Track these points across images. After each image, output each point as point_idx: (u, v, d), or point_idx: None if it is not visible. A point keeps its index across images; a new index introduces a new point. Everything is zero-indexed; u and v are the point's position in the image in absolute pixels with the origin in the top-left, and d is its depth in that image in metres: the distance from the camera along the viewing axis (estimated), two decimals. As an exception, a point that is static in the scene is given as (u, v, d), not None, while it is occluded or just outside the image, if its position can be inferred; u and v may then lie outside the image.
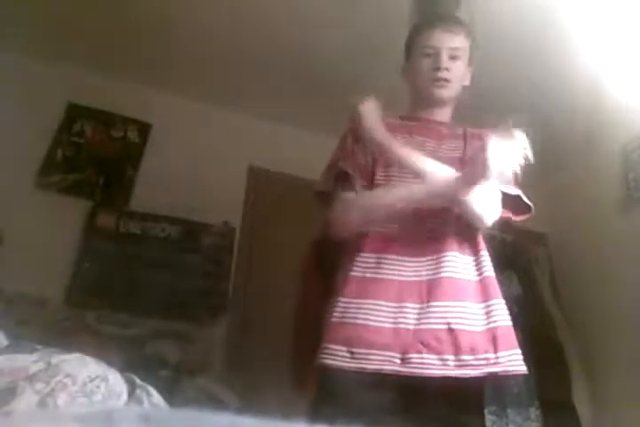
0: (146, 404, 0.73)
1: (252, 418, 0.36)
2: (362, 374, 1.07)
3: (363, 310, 1.12)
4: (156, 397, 0.77)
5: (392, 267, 1.17)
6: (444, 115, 1.42)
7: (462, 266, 1.19)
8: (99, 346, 1.82)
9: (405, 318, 1.11)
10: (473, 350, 1.11)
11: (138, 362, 1.80)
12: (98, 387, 0.69)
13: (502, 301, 1.21)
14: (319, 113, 2.90)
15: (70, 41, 2.58)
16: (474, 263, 1.21)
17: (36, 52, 2.60)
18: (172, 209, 2.56)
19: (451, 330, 1.11)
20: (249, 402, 1.91)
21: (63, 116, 2.65)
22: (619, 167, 2.88)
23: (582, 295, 2.99)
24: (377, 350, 1.08)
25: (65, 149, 2.60)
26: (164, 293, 2.41)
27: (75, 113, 2.69)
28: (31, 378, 0.65)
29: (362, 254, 1.20)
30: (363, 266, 1.18)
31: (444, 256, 1.18)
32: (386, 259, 1.18)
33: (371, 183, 1.27)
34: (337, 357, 1.09)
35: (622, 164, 2.87)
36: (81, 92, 2.68)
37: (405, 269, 1.17)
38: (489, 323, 1.16)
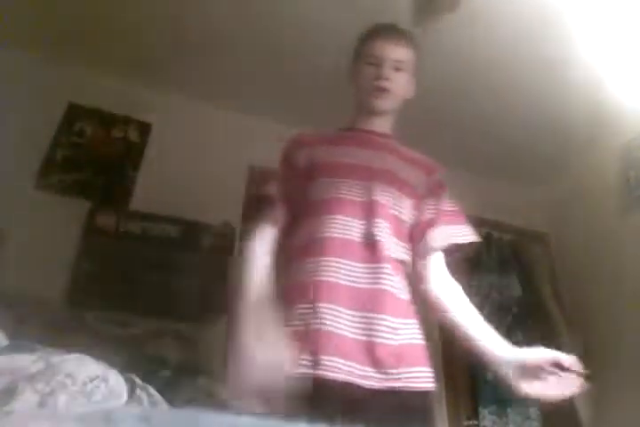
0: (146, 404, 0.73)
1: (252, 418, 0.36)
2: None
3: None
4: (156, 397, 0.77)
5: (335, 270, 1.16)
6: (383, 125, 1.41)
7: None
8: (99, 346, 1.82)
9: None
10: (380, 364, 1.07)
11: (138, 362, 1.80)
12: (98, 387, 0.69)
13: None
14: (319, 113, 2.91)
15: (70, 41, 2.58)
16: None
17: (36, 52, 2.60)
18: (172, 209, 2.56)
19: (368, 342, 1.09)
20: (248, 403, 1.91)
21: (63, 116, 2.65)
22: (619, 167, 2.88)
23: (582, 295, 3.00)
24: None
25: (65, 150, 2.60)
26: (164, 293, 2.41)
27: (75, 113, 2.69)
28: (31, 378, 0.65)
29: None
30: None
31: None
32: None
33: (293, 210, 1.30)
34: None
35: (622, 163, 2.87)
36: (81, 92, 2.68)
37: (345, 274, 1.16)
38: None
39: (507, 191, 3.33)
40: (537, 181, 3.48)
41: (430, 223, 1.33)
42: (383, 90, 1.33)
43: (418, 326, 1.19)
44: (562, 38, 2.44)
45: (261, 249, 1.24)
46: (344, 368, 1.04)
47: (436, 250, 1.32)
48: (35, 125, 2.51)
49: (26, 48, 2.58)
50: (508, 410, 2.66)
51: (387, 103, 1.36)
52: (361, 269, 1.16)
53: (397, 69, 1.34)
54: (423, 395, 1.11)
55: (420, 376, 1.11)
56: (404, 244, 1.27)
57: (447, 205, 1.38)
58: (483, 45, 2.49)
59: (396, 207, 1.27)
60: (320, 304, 1.10)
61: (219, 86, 2.86)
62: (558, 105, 2.79)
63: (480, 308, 3.14)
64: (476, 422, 2.62)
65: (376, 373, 1.06)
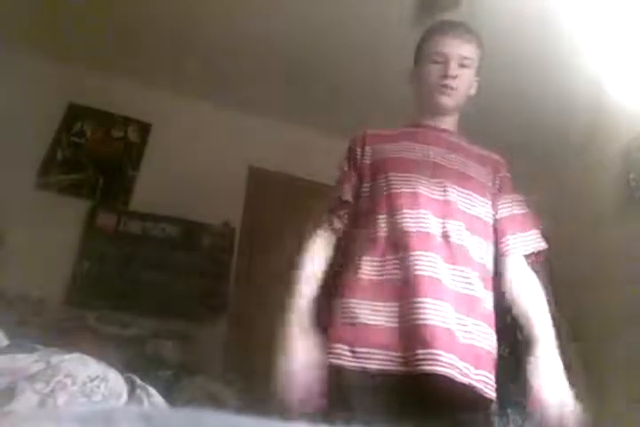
0: (146, 404, 0.73)
1: (251, 418, 0.36)
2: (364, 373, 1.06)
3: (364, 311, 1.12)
4: (156, 397, 0.77)
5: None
6: (448, 123, 1.40)
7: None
8: (99, 346, 1.82)
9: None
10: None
11: (138, 362, 1.80)
12: (98, 387, 0.69)
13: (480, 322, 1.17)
14: (320, 113, 2.91)
15: (70, 41, 2.58)
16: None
17: (36, 52, 2.60)
18: (172, 209, 2.56)
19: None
20: (249, 402, 1.91)
21: (63, 116, 2.65)
22: (619, 167, 2.88)
23: (582, 296, 2.99)
24: (378, 349, 1.07)
25: (65, 149, 2.60)
26: (163, 292, 2.41)
27: (75, 113, 2.69)
28: (31, 378, 0.65)
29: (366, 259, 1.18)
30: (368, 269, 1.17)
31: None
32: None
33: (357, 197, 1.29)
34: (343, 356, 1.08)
35: (623, 164, 2.87)
36: (81, 92, 2.68)
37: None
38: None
39: (507, 191, 3.32)
40: (536, 181, 3.48)
41: (511, 226, 1.33)
42: (450, 88, 1.31)
43: (495, 337, 1.21)
44: (562, 39, 2.43)
45: (317, 259, 1.24)
46: (444, 360, 1.04)
47: (517, 253, 1.34)
48: (35, 125, 2.51)
49: (26, 48, 2.58)
50: (508, 410, 2.66)
51: (453, 101, 1.35)
52: (449, 270, 1.15)
53: (463, 66, 1.33)
54: (488, 402, 1.11)
55: (491, 384, 1.11)
56: (485, 243, 1.26)
57: (520, 207, 1.38)
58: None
59: (472, 207, 1.26)
60: (424, 299, 1.08)
61: (219, 86, 2.86)
62: (558, 106, 2.79)
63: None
64: (475, 423, 2.62)
65: (464, 367, 1.06)
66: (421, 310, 1.06)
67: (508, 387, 2.69)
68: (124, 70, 2.75)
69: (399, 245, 1.15)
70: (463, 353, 1.07)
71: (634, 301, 2.63)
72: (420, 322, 1.05)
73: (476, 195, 1.28)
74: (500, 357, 3.00)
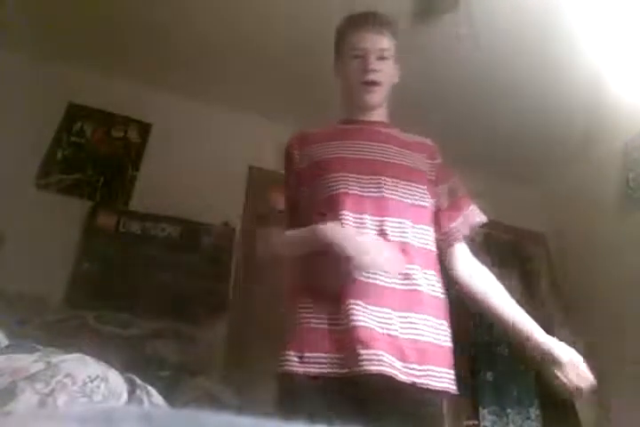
0: (146, 404, 0.73)
1: (251, 418, 0.36)
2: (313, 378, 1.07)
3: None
4: (156, 397, 0.77)
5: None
6: (379, 115, 1.40)
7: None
8: (99, 346, 1.82)
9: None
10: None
11: (138, 362, 1.80)
12: (98, 387, 0.69)
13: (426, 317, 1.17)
14: (320, 113, 2.90)
15: (70, 41, 2.58)
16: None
17: (36, 52, 2.60)
18: (172, 209, 2.56)
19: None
20: (249, 402, 1.91)
21: (63, 116, 2.65)
22: (619, 167, 2.88)
23: (582, 295, 2.99)
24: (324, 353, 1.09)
25: (65, 149, 2.60)
26: (164, 293, 2.41)
27: (75, 113, 2.69)
28: (31, 378, 0.65)
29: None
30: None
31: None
32: None
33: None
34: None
35: (622, 163, 2.87)
36: (81, 92, 2.68)
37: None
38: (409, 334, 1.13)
39: (506, 191, 3.32)
40: (536, 181, 3.48)
41: (451, 215, 1.34)
42: (373, 83, 1.32)
43: (446, 326, 1.19)
44: (562, 38, 2.44)
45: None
46: (385, 361, 1.05)
47: (460, 240, 1.35)
48: (35, 125, 2.51)
49: (26, 48, 2.58)
50: (508, 410, 2.66)
51: (378, 96, 1.35)
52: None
53: (382, 58, 1.33)
54: (439, 395, 1.12)
55: (442, 377, 1.11)
56: (431, 229, 1.27)
57: (459, 191, 1.38)
58: (482, 46, 2.49)
59: (412, 196, 1.26)
60: (352, 302, 1.10)
61: (219, 86, 2.86)
62: (558, 105, 2.79)
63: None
64: (476, 422, 2.62)
65: (403, 367, 1.07)
66: (355, 314, 1.08)
67: (509, 387, 2.69)
68: (124, 70, 2.75)
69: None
70: (404, 351, 1.08)
71: (634, 300, 2.63)
72: (357, 324, 1.07)
73: (415, 184, 1.28)
74: (501, 357, 3.00)
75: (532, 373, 2.73)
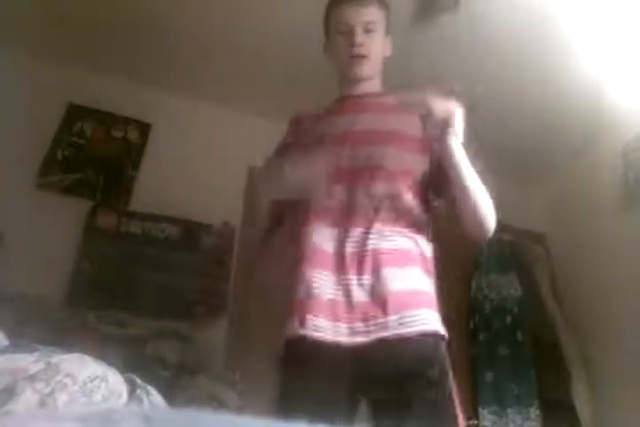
0: (146, 404, 0.73)
1: (251, 418, 0.36)
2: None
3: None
4: (156, 397, 0.77)
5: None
6: (372, 86, 1.40)
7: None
8: (99, 346, 1.82)
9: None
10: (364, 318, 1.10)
11: (138, 362, 1.80)
12: (98, 387, 0.69)
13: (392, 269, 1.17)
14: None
15: (70, 41, 2.58)
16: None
17: (36, 52, 2.60)
18: (172, 209, 2.56)
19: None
20: (249, 402, 1.91)
21: (63, 117, 2.65)
22: (619, 167, 2.88)
23: (582, 295, 2.99)
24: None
25: (65, 149, 2.60)
26: (164, 293, 2.41)
27: (75, 113, 2.69)
28: (31, 378, 0.65)
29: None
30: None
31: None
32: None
33: None
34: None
35: (622, 164, 2.87)
36: (81, 92, 2.68)
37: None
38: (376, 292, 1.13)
39: (505, 191, 3.31)
40: (536, 181, 3.48)
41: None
42: (360, 56, 1.32)
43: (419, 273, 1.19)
44: (561, 40, 2.44)
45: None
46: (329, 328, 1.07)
47: None
48: (35, 125, 2.51)
49: (26, 48, 2.58)
50: (508, 410, 2.66)
51: (366, 69, 1.35)
52: (348, 234, 1.18)
53: (369, 31, 1.33)
54: (425, 339, 1.10)
55: (415, 320, 1.10)
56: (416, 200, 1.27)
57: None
58: (482, 47, 2.49)
59: (404, 165, 1.27)
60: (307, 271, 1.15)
61: (219, 86, 2.86)
62: (557, 106, 2.79)
63: (480, 308, 3.13)
64: (476, 422, 2.62)
65: (363, 326, 1.08)
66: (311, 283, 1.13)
67: (509, 387, 2.69)
68: (124, 70, 2.75)
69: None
70: (368, 311, 1.09)
71: (633, 300, 2.63)
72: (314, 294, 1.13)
73: (404, 150, 1.29)
74: (501, 357, 3.00)
75: (532, 373, 2.73)
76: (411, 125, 1.28)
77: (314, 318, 1.09)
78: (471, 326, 2.86)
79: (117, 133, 2.75)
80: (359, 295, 1.11)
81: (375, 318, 1.08)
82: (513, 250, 3.15)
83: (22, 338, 0.79)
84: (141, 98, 2.78)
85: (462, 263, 2.98)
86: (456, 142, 1.21)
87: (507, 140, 3.06)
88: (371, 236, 1.17)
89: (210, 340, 2.35)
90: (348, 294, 1.11)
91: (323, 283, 1.13)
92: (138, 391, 0.75)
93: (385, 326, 1.07)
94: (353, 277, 1.13)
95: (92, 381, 0.69)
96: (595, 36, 2.42)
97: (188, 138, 2.81)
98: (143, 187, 2.65)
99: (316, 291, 1.12)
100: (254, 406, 1.80)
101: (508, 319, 2.85)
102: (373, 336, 1.07)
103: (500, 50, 2.51)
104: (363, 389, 1.09)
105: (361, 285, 1.12)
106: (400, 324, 1.08)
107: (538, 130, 3.00)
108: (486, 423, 2.62)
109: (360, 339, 1.07)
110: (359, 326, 1.08)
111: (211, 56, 2.67)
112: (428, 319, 1.11)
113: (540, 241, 3.35)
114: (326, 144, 1.27)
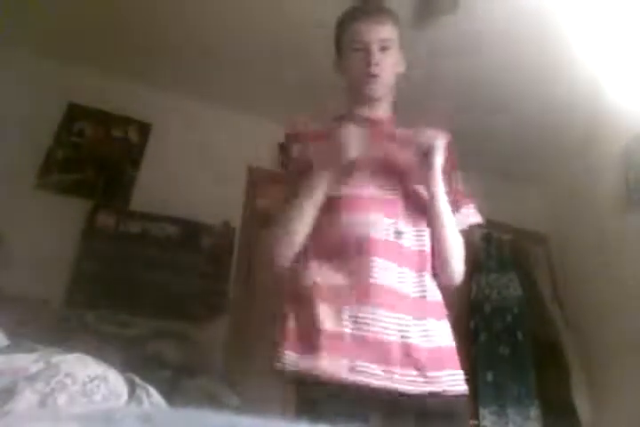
0: (146, 404, 0.73)
1: (251, 418, 0.36)
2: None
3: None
4: (156, 397, 0.77)
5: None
6: (381, 109, 1.39)
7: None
8: (99, 346, 1.82)
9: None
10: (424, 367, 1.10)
11: (138, 362, 1.80)
12: (98, 387, 0.69)
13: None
14: (320, 113, 2.90)
15: (70, 41, 2.58)
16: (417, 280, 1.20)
17: (36, 51, 2.60)
18: (172, 209, 2.56)
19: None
20: (249, 402, 1.91)
21: (63, 116, 2.65)
22: (619, 168, 2.88)
23: (582, 295, 2.99)
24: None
25: (65, 149, 2.60)
26: (163, 293, 2.41)
27: (75, 113, 2.69)
28: (31, 378, 0.65)
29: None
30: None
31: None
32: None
33: None
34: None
35: (622, 164, 2.87)
36: (81, 92, 2.68)
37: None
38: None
39: (506, 191, 3.32)
40: (536, 181, 3.48)
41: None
42: (374, 76, 1.30)
43: (449, 327, 1.20)
44: (560, 41, 2.43)
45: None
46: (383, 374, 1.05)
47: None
48: (35, 125, 2.51)
49: (26, 48, 2.58)
50: (508, 410, 2.66)
51: (380, 89, 1.34)
52: (401, 274, 1.16)
53: (384, 49, 1.31)
54: (459, 398, 1.13)
55: (456, 379, 1.13)
56: (426, 230, 1.26)
57: (457, 186, 1.37)
58: (482, 47, 2.49)
59: (407, 197, 1.26)
60: (363, 307, 1.10)
61: (218, 87, 2.86)
62: (558, 106, 2.79)
63: (480, 308, 3.12)
64: (476, 422, 2.62)
65: (417, 376, 1.08)
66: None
67: (509, 387, 2.69)
68: (123, 70, 2.75)
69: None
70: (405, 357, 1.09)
71: (634, 300, 2.63)
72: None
73: (411, 182, 1.28)
74: (501, 357, 3.00)
75: (532, 373, 2.73)
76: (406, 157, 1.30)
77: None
78: (471, 325, 2.86)
79: (117, 133, 2.76)
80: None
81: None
82: (513, 250, 3.15)
83: (22, 338, 0.79)
84: (141, 98, 2.78)
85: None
86: (437, 177, 1.22)
87: (507, 140, 3.06)
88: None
89: (210, 340, 2.35)
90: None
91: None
92: (138, 391, 0.75)
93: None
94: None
95: (91, 381, 0.69)
96: (594, 36, 2.42)
97: (188, 138, 2.81)
98: (143, 187, 2.65)
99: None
100: (254, 406, 1.81)
101: (508, 319, 2.85)
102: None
103: (499, 50, 2.51)
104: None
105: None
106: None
107: (538, 130, 3.00)
108: (486, 423, 2.63)
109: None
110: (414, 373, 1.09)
111: (211, 56, 2.67)
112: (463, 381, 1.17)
113: (541, 241, 3.35)
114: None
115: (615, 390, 2.63)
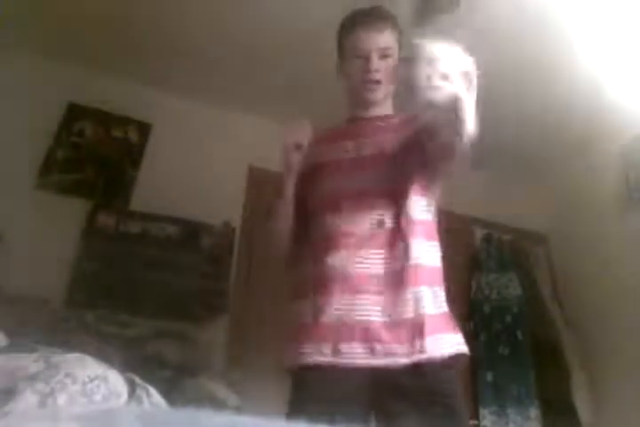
0: (146, 404, 0.73)
1: (251, 418, 0.36)
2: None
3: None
4: (156, 397, 0.77)
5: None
6: (383, 109, 1.40)
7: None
8: (99, 346, 1.82)
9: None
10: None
11: (138, 362, 1.80)
12: (98, 387, 0.69)
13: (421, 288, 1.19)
14: (319, 113, 2.90)
15: (70, 41, 2.58)
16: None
17: (36, 51, 2.60)
18: (172, 209, 2.56)
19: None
20: (249, 402, 1.91)
21: (63, 116, 2.65)
22: (619, 167, 2.89)
23: (582, 295, 3.00)
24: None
25: (65, 149, 2.60)
26: (163, 293, 2.41)
27: (75, 113, 2.69)
28: (31, 378, 0.65)
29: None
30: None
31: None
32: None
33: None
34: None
35: (622, 164, 2.87)
36: (81, 92, 2.68)
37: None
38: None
39: (506, 192, 3.33)
40: (536, 181, 3.48)
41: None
42: (374, 82, 1.31)
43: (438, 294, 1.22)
44: (561, 40, 2.43)
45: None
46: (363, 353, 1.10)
47: None
48: (35, 125, 2.51)
49: (26, 48, 2.58)
50: (508, 410, 2.66)
51: (380, 94, 1.35)
52: (379, 256, 1.19)
53: (385, 56, 1.32)
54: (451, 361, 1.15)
55: (443, 343, 1.15)
56: (424, 200, 1.28)
57: None
58: (482, 47, 2.49)
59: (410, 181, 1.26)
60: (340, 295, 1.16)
61: (218, 87, 2.86)
62: (558, 107, 2.79)
63: (480, 308, 3.13)
64: (476, 422, 2.62)
65: (398, 349, 1.11)
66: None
67: (509, 387, 2.69)
68: (123, 70, 2.75)
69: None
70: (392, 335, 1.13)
71: (634, 300, 2.63)
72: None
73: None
74: (500, 357, 3.00)
75: (532, 373, 2.73)
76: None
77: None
78: (471, 325, 2.86)
79: (117, 133, 2.75)
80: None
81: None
82: (513, 250, 3.15)
83: (22, 338, 0.79)
84: (141, 98, 2.78)
85: (462, 263, 2.99)
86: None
87: (507, 140, 3.06)
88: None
89: (210, 340, 2.35)
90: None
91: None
92: (138, 391, 0.75)
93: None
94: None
95: (91, 381, 0.69)
96: (595, 35, 2.42)
97: (187, 138, 2.81)
98: (143, 187, 2.65)
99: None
100: (254, 406, 1.81)
101: (508, 319, 2.85)
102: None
103: (499, 51, 2.51)
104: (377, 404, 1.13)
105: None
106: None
107: (538, 130, 3.00)
108: (486, 423, 2.63)
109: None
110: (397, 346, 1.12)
111: (211, 56, 2.67)
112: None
113: (541, 241, 3.35)
114: (333, 171, 1.30)
115: (615, 390, 2.63)
